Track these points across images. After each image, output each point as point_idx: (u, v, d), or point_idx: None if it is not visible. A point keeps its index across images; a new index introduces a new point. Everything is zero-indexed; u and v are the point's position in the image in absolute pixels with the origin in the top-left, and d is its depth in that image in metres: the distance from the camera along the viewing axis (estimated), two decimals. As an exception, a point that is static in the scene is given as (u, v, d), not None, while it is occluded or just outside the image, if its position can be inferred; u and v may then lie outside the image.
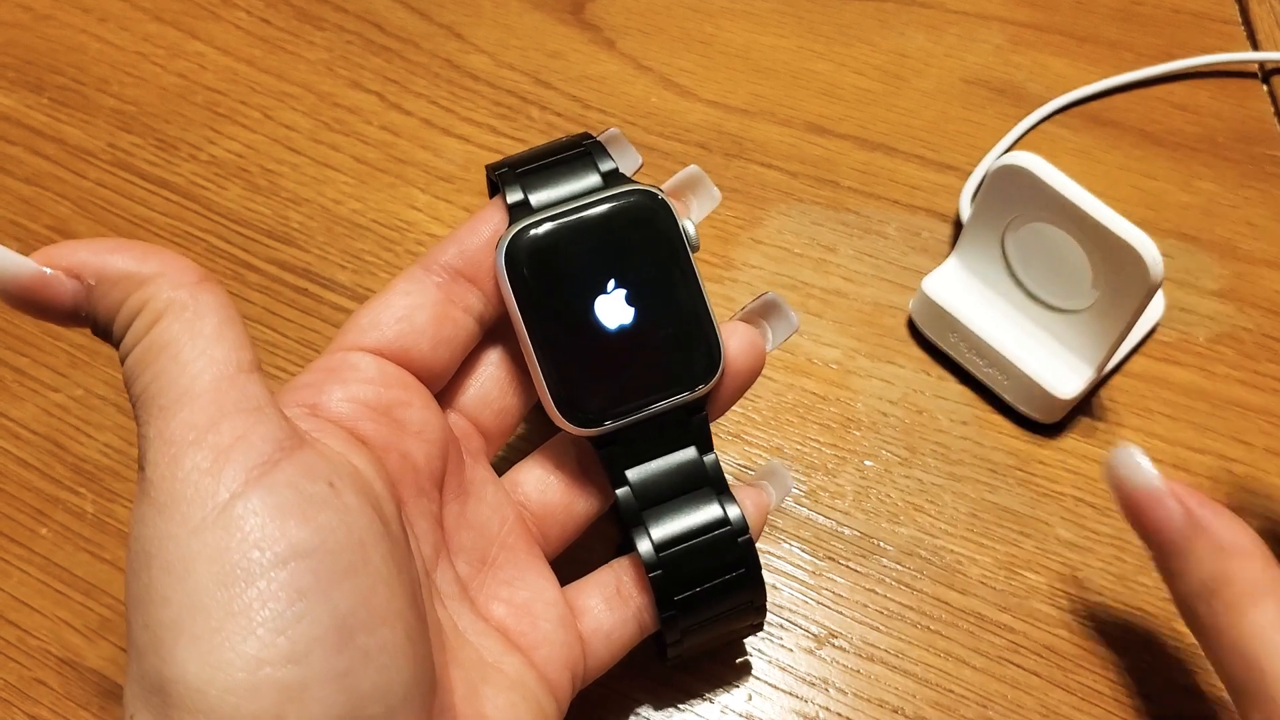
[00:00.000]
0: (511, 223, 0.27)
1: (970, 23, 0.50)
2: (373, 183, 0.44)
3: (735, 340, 0.29)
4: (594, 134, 0.29)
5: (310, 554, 0.20)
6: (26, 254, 0.22)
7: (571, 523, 0.30)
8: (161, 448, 0.21)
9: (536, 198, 0.28)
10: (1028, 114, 0.46)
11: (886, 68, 0.48)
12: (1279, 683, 0.25)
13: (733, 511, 0.28)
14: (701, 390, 0.28)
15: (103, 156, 0.44)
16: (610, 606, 0.28)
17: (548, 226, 0.27)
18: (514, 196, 0.28)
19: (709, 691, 0.32)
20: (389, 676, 0.21)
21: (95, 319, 0.23)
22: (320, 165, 0.44)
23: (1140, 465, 0.29)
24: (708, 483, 0.28)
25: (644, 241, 0.27)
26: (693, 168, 0.30)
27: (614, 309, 0.27)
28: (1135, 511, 0.29)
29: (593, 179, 0.28)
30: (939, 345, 0.39)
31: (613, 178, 0.28)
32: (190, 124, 0.45)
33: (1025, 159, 0.35)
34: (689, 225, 0.28)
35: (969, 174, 0.44)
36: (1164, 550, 0.29)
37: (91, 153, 0.44)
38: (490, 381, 0.29)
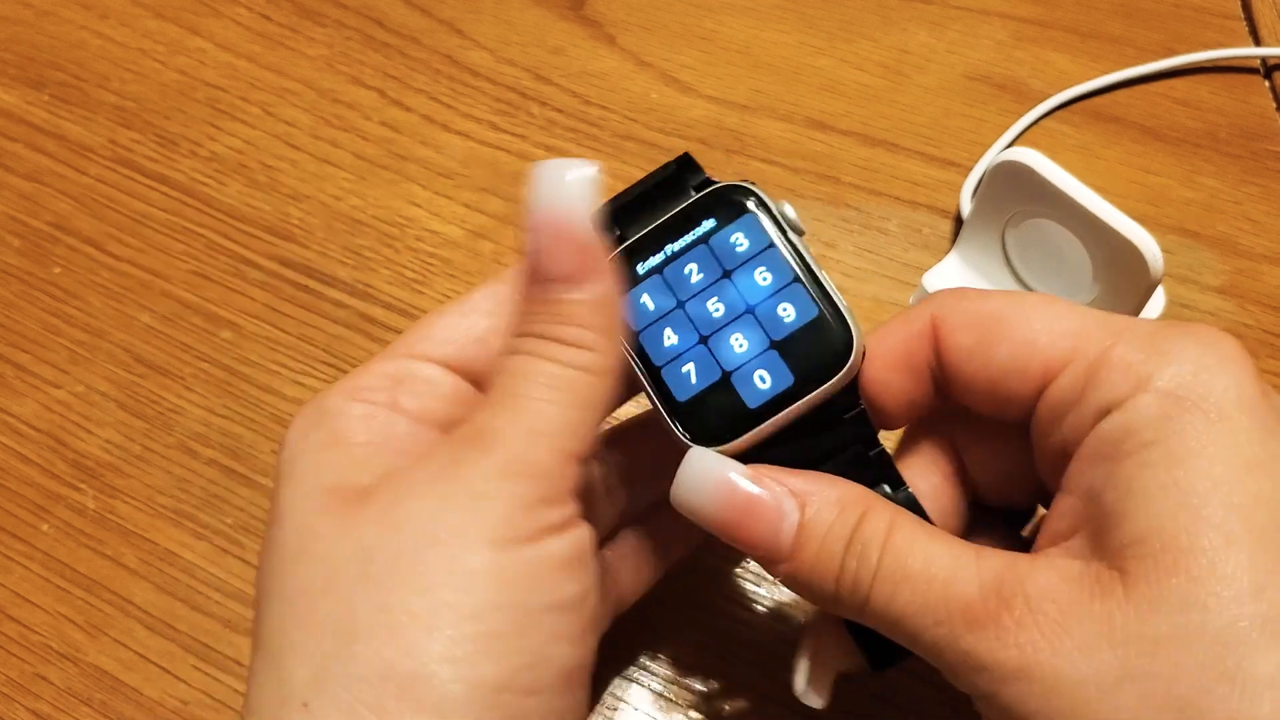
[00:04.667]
0: None
1: (972, 19, 0.50)
2: (373, 179, 0.44)
3: None
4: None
5: (570, 609, 0.22)
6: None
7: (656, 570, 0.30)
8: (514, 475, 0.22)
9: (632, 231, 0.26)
10: (1029, 110, 0.46)
11: (888, 64, 0.48)
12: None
13: (911, 505, 0.25)
14: (838, 381, 0.24)
15: (103, 153, 0.44)
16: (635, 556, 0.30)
17: (632, 250, 0.26)
18: (610, 238, 0.26)
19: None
20: None
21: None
22: (320, 161, 0.44)
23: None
24: (881, 481, 0.25)
25: (738, 235, 0.25)
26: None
27: (719, 313, 0.25)
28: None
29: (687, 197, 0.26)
30: (939, 341, 0.39)
31: (704, 188, 0.26)
32: (191, 120, 0.45)
33: (1026, 155, 0.35)
34: (788, 208, 0.26)
35: (970, 170, 0.44)
36: None
37: (92, 149, 0.44)
38: None
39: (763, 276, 0.25)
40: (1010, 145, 0.45)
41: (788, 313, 0.25)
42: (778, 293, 0.25)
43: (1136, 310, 0.34)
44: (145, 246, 0.42)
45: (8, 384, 0.38)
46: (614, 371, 0.24)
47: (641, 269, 0.26)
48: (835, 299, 0.25)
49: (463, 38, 0.48)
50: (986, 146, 0.45)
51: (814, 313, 0.25)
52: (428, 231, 0.42)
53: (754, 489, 0.23)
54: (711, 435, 0.25)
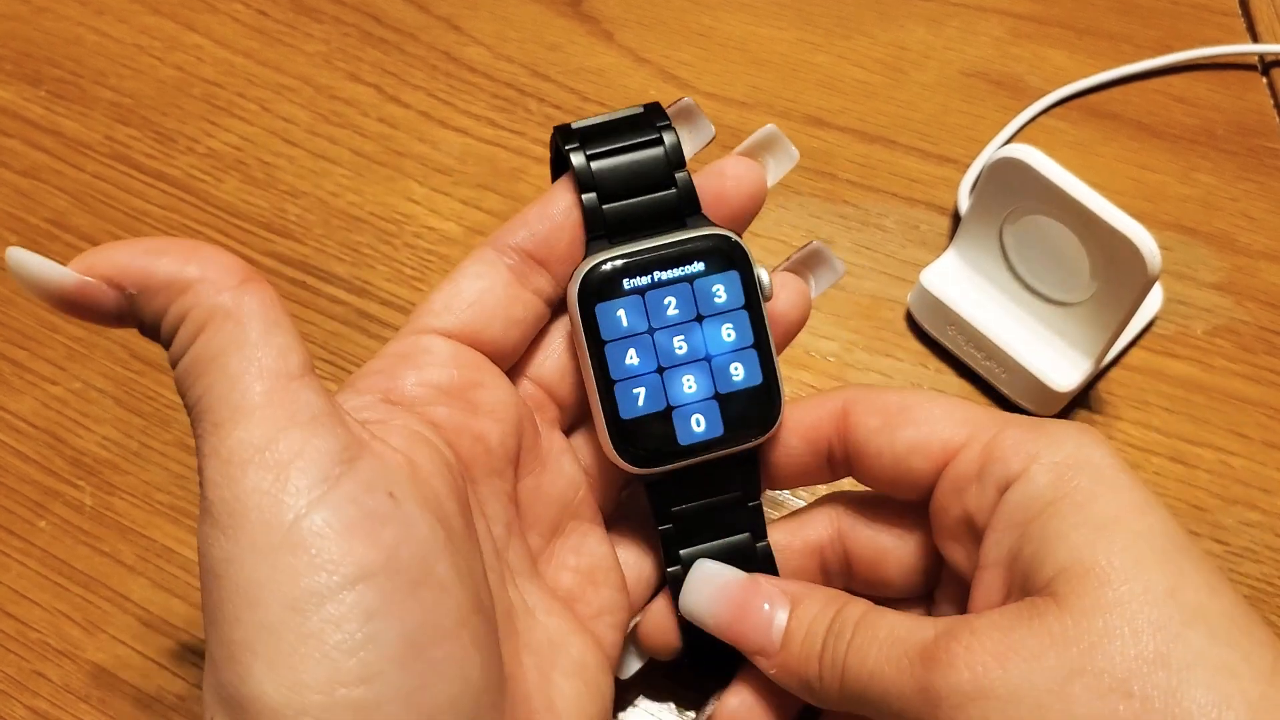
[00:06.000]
0: (587, 253, 0.27)
1: (970, 15, 0.50)
2: (370, 175, 0.44)
3: (785, 293, 0.29)
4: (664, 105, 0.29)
5: (377, 574, 0.21)
6: (28, 248, 0.22)
7: (626, 483, 0.30)
8: (219, 467, 0.21)
9: (599, 165, 0.27)
10: (1027, 106, 0.46)
11: (885, 60, 0.48)
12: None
13: (766, 558, 0.29)
14: (756, 441, 0.28)
15: (100, 149, 0.44)
16: (641, 556, 0.30)
17: (626, 262, 0.27)
18: (578, 160, 0.27)
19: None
20: (459, 687, 0.21)
21: (141, 325, 0.23)
22: (317, 158, 0.44)
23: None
24: (748, 528, 0.29)
25: (719, 287, 0.27)
26: (769, 127, 0.29)
27: (681, 351, 0.27)
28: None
29: (657, 150, 0.28)
30: (937, 338, 0.39)
31: (677, 154, 0.28)
32: (188, 116, 0.45)
33: (1023, 151, 0.35)
34: (764, 273, 0.28)
35: (968, 167, 0.44)
36: None
37: (89, 145, 0.44)
38: (568, 352, 0.29)
39: (728, 333, 0.28)
40: (1008, 142, 0.45)
41: (738, 372, 0.28)
42: (736, 352, 0.28)
43: (1135, 306, 0.34)
44: (142, 243, 0.41)
45: (5, 381, 0.38)
46: (225, 287, 0.22)
47: (627, 284, 0.27)
48: (775, 369, 0.28)
49: (460, 34, 0.48)
50: (984, 143, 0.45)
51: (759, 380, 0.28)
52: (425, 228, 0.42)
53: (749, 594, 0.27)
54: (638, 457, 0.27)
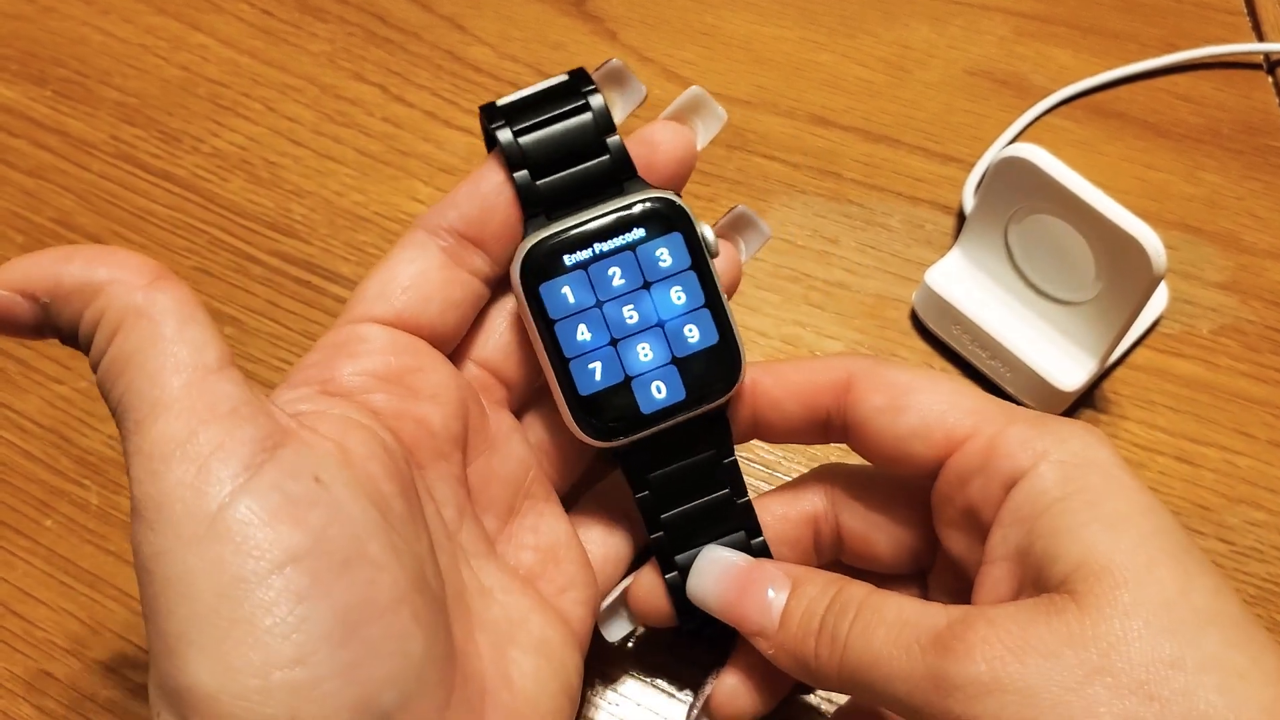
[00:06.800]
0: (526, 231, 0.27)
1: (974, 14, 0.50)
2: (375, 175, 0.44)
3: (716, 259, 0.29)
4: (590, 70, 0.28)
5: (304, 556, 0.21)
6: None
7: (582, 460, 0.30)
8: (143, 463, 0.21)
9: (527, 140, 0.27)
10: (1031, 105, 0.46)
11: (890, 59, 0.48)
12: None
13: (746, 512, 0.29)
14: (721, 400, 0.28)
15: (105, 149, 0.44)
16: (612, 529, 0.30)
17: (564, 238, 0.27)
18: (504, 137, 0.27)
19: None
20: (398, 663, 0.22)
21: (59, 333, 0.23)
22: (322, 157, 0.44)
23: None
24: (725, 485, 0.29)
25: (663, 251, 0.27)
26: (695, 89, 0.29)
27: (632, 320, 0.27)
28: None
29: (585, 117, 0.27)
30: (942, 338, 0.39)
31: (605, 119, 0.27)
32: (193, 116, 0.45)
33: (1028, 151, 0.35)
34: (708, 231, 0.27)
35: (972, 166, 0.44)
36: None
37: (94, 145, 0.44)
38: (510, 331, 0.29)
39: (678, 295, 0.27)
40: (1012, 141, 0.45)
41: (693, 334, 0.27)
42: (688, 314, 0.27)
43: (1140, 306, 0.34)
44: (147, 242, 0.42)
45: (11, 380, 0.38)
46: (137, 287, 0.23)
47: (569, 260, 0.27)
48: (733, 329, 0.28)
49: (464, 33, 0.48)
50: (989, 142, 0.45)
51: (715, 339, 0.27)
52: (430, 227, 0.42)
53: (752, 578, 0.27)
54: (603, 431, 0.27)
